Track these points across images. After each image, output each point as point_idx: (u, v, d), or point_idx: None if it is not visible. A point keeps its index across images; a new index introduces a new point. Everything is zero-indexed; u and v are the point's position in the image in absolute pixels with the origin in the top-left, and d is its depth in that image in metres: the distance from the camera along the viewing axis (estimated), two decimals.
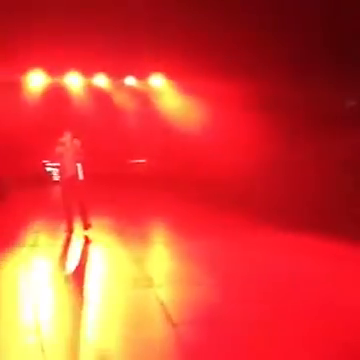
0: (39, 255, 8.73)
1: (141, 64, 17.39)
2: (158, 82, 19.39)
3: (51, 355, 4.89)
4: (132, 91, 19.85)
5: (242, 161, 14.35)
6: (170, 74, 18.39)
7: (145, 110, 19.39)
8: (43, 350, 4.95)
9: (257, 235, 9.92)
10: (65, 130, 10.03)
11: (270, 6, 14.11)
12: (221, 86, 15.14)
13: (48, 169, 18.74)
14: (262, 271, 7.57)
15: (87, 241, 9.51)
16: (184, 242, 9.55)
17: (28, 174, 17.60)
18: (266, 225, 10.58)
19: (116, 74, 18.85)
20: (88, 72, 18.66)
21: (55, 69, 18.00)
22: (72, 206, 9.92)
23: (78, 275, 7.74)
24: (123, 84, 19.66)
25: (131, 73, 19.25)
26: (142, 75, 19.20)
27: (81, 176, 9.98)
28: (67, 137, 9.97)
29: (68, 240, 9.63)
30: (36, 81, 18.64)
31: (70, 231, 9.87)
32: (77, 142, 9.98)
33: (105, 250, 9.12)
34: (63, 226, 10.00)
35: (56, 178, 17.71)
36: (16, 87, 18.08)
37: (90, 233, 9.89)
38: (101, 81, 19.31)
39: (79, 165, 10.00)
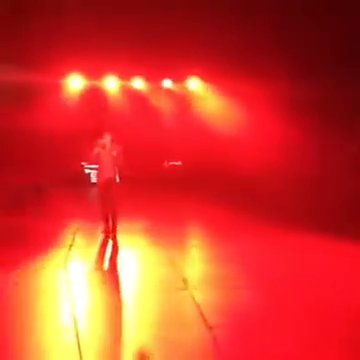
0: (77, 256, 8.84)
1: (178, 67, 17.45)
2: (195, 85, 19.42)
3: (88, 355, 4.95)
4: (169, 94, 19.93)
5: (276, 163, 14.28)
6: (207, 77, 18.40)
7: (181, 113, 19.44)
8: (80, 350, 5.02)
9: (290, 237, 9.86)
10: (105, 132, 9.92)
11: (310, 6, 13.96)
12: (257, 88, 15.08)
13: (86, 171, 18.99)
14: (297, 273, 7.51)
15: (114, 244, 9.54)
16: (219, 244, 9.55)
17: (67, 176, 17.85)
18: (299, 227, 10.50)
19: (153, 77, 18.96)
20: (125, 75, 18.83)
21: (93, 72, 18.24)
22: (108, 207, 9.94)
23: (114, 276, 7.82)
24: (160, 87, 19.76)
25: (168, 76, 19.33)
26: (179, 78, 19.25)
27: (118, 179, 9.90)
28: (107, 139, 9.86)
29: (105, 241, 9.72)
30: (74, 84, 18.93)
31: (107, 233, 9.92)
32: (118, 147, 9.85)
33: (141, 252, 9.17)
34: (100, 227, 10.09)
35: (94, 180, 17.97)
36: (55, 90, 18.38)
37: (124, 236, 9.94)
38: (138, 84, 19.46)
39: (118, 168, 9.89)
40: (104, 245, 9.49)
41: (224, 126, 16.78)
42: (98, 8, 15.27)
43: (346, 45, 13.90)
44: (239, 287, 6.96)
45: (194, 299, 6.42)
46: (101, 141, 9.85)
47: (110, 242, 9.65)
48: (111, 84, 19.25)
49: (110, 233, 9.87)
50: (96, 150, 9.85)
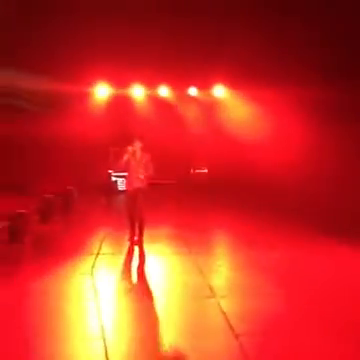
0: (104, 264, 8.90)
1: (203, 75, 17.50)
2: (220, 92, 19.45)
3: None
4: (195, 101, 19.99)
5: (304, 169, 14.20)
6: (232, 84, 18.41)
7: (207, 120, 19.47)
8: (108, 358, 5.06)
9: (318, 245, 9.79)
10: (134, 139, 9.85)
11: (333, 12, 13.89)
12: (283, 96, 15.05)
13: (113, 179, 19.16)
14: (325, 281, 7.44)
15: (141, 252, 9.58)
16: (246, 252, 9.51)
17: (94, 184, 18.03)
18: (327, 235, 10.44)
19: (179, 85, 19.05)
20: (151, 84, 18.97)
21: (120, 81, 18.43)
22: (135, 216, 9.96)
23: (141, 284, 7.84)
24: (186, 95, 19.84)
25: (194, 84, 19.41)
26: (204, 86, 19.31)
27: (146, 187, 9.88)
28: (137, 146, 9.81)
29: (131, 249, 9.77)
30: (102, 93, 19.15)
31: (133, 240, 9.95)
32: (147, 155, 9.82)
33: (167, 260, 9.19)
34: (127, 235, 10.14)
35: (121, 188, 18.12)
36: (83, 99, 18.60)
37: (151, 243, 9.98)
38: (164, 92, 19.57)
39: (146, 176, 9.84)
40: (131, 253, 9.54)
41: (250, 133, 16.76)
42: (124, 18, 15.44)
43: None
44: (266, 295, 6.93)
45: (221, 307, 6.41)
46: (131, 148, 9.78)
47: (137, 250, 9.69)
48: (137, 92, 19.41)
49: (136, 240, 9.91)
50: (126, 157, 9.78)
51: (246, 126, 17.20)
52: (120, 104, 19.01)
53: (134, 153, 9.77)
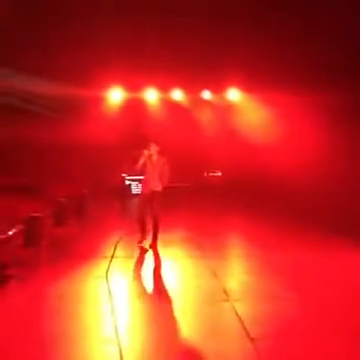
0: (118, 267, 8.93)
1: (217, 78, 17.52)
2: (234, 96, 19.44)
3: None
4: (208, 105, 20.01)
5: (315, 172, 14.16)
6: (246, 87, 18.41)
7: (221, 124, 19.47)
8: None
9: (332, 247, 9.76)
10: (151, 142, 9.80)
11: (345, 15, 13.86)
12: (295, 98, 15.03)
13: (127, 182, 19.23)
14: (338, 284, 7.41)
15: (155, 255, 9.55)
16: (259, 254, 9.50)
17: (108, 187, 18.11)
18: (341, 237, 10.42)
19: (192, 89, 19.08)
20: (165, 87, 19.02)
21: (134, 85, 18.50)
22: (146, 219, 9.91)
23: (155, 288, 7.86)
24: (199, 98, 19.86)
25: (207, 87, 19.42)
26: (218, 89, 19.32)
27: (162, 191, 9.82)
28: (153, 150, 9.76)
29: (145, 253, 9.78)
30: (116, 97, 19.24)
31: (143, 240, 9.92)
32: (162, 158, 9.79)
33: (181, 263, 9.19)
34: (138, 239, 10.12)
35: (135, 191, 18.18)
36: (97, 103, 18.70)
37: (165, 247, 9.97)
38: (178, 96, 19.61)
39: (162, 180, 9.81)
40: (145, 256, 9.55)
41: (263, 136, 16.74)
42: (138, 22, 15.52)
43: None
44: (280, 298, 6.91)
45: (236, 311, 6.40)
46: (147, 152, 9.75)
47: (151, 253, 9.71)
48: (151, 96, 19.47)
49: (151, 244, 9.90)
50: (142, 161, 9.77)
51: (259, 129, 17.19)
52: (134, 108, 19.07)
53: (150, 156, 9.75)
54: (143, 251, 9.76)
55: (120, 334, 5.74)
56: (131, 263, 9.18)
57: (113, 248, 10.13)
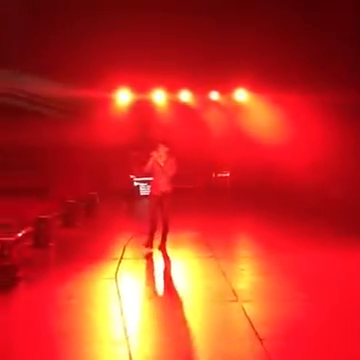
0: (127, 268, 8.94)
1: (225, 79, 17.50)
2: (242, 96, 19.42)
3: None
4: (216, 106, 19.99)
5: (326, 171, 14.12)
6: (253, 88, 18.38)
7: (229, 124, 19.45)
8: None
9: (341, 247, 9.71)
10: (160, 144, 9.69)
11: (353, 17, 13.84)
12: (304, 98, 15.00)
13: (135, 184, 19.25)
14: (349, 285, 7.37)
15: (164, 256, 9.49)
16: (269, 255, 9.48)
17: (116, 189, 18.13)
18: (350, 237, 10.37)
19: (200, 89, 19.08)
20: (173, 88, 19.02)
21: (141, 86, 18.52)
22: (157, 222, 9.82)
23: (164, 288, 7.86)
24: (207, 99, 19.85)
25: (215, 88, 19.41)
26: (226, 90, 19.30)
27: (172, 192, 9.72)
28: (162, 151, 9.68)
29: (154, 254, 9.75)
30: (123, 98, 19.26)
31: (151, 245, 9.76)
32: (171, 159, 9.67)
33: (190, 264, 9.19)
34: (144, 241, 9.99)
35: (143, 193, 18.20)
36: (105, 104, 18.73)
37: (174, 247, 9.93)
38: (186, 97, 19.61)
39: (170, 179, 9.69)
40: (154, 257, 9.54)
41: (271, 136, 16.71)
42: (145, 23, 15.54)
43: None
44: (290, 299, 6.89)
45: (245, 311, 6.38)
46: (155, 153, 9.66)
47: (160, 254, 9.69)
48: (159, 97, 19.48)
49: (160, 245, 9.86)
50: (150, 162, 9.69)
51: (267, 129, 17.15)
52: (142, 109, 19.09)
53: (159, 158, 9.67)
54: (150, 254, 9.66)
55: (129, 335, 5.74)
56: (140, 264, 9.18)
57: (122, 249, 10.13)
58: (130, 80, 17.86)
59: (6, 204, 13.10)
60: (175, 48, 15.93)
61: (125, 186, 19.07)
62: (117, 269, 8.68)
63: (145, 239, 9.78)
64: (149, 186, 10.82)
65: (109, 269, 8.68)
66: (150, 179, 10.29)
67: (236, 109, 19.58)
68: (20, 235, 8.92)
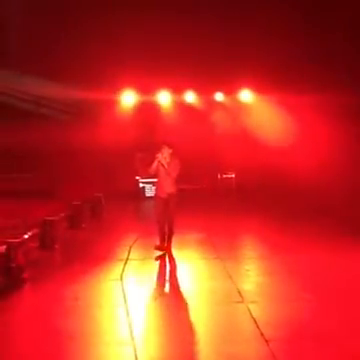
0: (133, 270, 8.95)
1: (230, 80, 17.50)
2: (247, 97, 19.41)
3: None
4: (221, 107, 19.98)
5: (332, 172, 14.09)
6: (259, 89, 18.36)
7: (234, 125, 19.44)
8: None
9: (347, 248, 9.67)
10: (164, 145, 9.64)
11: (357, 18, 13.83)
12: (309, 99, 14.98)
13: (141, 185, 19.27)
14: (356, 286, 7.34)
15: (170, 258, 9.43)
16: (274, 256, 9.46)
17: (122, 190, 18.13)
18: (357, 237, 10.31)
19: (205, 90, 19.07)
20: (178, 89, 19.02)
21: (146, 88, 18.53)
22: (165, 224, 9.73)
23: (170, 290, 7.86)
24: (212, 100, 19.84)
25: (220, 89, 19.40)
26: (231, 91, 19.29)
27: (177, 193, 9.68)
28: (166, 152, 9.62)
29: (160, 255, 9.74)
30: (128, 100, 19.28)
31: (161, 249, 9.70)
32: (175, 160, 9.61)
33: (196, 265, 9.18)
34: (155, 243, 9.97)
35: (149, 194, 18.21)
36: (110, 106, 18.75)
37: (179, 249, 9.90)
38: (191, 98, 19.61)
39: (175, 183, 9.65)
40: (159, 258, 9.53)
41: (276, 137, 16.69)
42: (150, 25, 15.57)
43: None
44: (296, 300, 6.87)
45: (250, 312, 6.38)
46: (160, 155, 9.60)
47: (165, 255, 9.68)
48: (164, 99, 19.49)
49: (165, 250, 9.73)
50: (155, 164, 9.65)
51: (273, 130, 17.13)
52: (147, 110, 19.09)
53: (163, 159, 9.63)
54: (159, 256, 9.62)
55: (135, 336, 5.74)
56: (146, 265, 9.19)
57: (128, 251, 10.14)
58: (135, 81, 17.87)
59: (12, 206, 13.16)
60: (180, 49, 15.95)
61: (130, 187, 19.07)
62: (123, 270, 8.70)
63: (157, 244, 9.70)
64: (154, 188, 10.79)
65: (115, 270, 8.69)
66: (155, 180, 10.28)
67: (241, 110, 19.56)
68: (26, 237, 8.95)
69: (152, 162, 9.70)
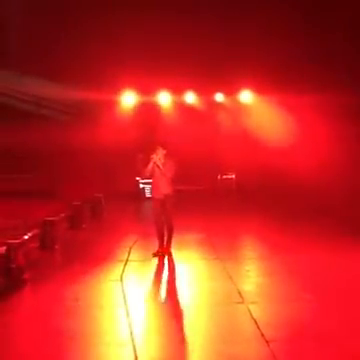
0: (133, 271, 8.94)
1: (230, 80, 17.50)
2: (247, 98, 19.40)
3: None
4: (221, 107, 19.99)
5: (330, 173, 14.09)
6: (259, 89, 18.36)
7: (234, 126, 19.44)
8: None
9: (348, 248, 9.67)
10: (157, 146, 9.64)
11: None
12: (310, 99, 14.98)
13: (141, 185, 19.26)
14: (356, 286, 7.34)
15: (169, 258, 9.39)
16: (274, 256, 9.46)
17: (122, 191, 18.14)
18: (357, 238, 10.31)
19: (205, 91, 19.07)
20: (178, 90, 19.02)
21: (146, 88, 18.53)
22: (164, 226, 9.73)
23: (170, 290, 7.85)
24: (212, 101, 19.84)
25: (220, 90, 19.40)
26: (231, 91, 19.29)
27: (173, 193, 9.66)
28: (160, 153, 9.62)
29: (160, 256, 9.71)
30: (129, 100, 19.28)
31: (162, 252, 9.68)
32: (170, 161, 9.60)
33: (196, 265, 9.18)
34: (156, 245, 9.84)
35: (149, 194, 18.20)
36: (110, 107, 18.75)
37: (179, 249, 9.88)
38: (191, 98, 19.61)
39: (171, 183, 9.63)
40: (159, 259, 9.53)
41: (276, 138, 16.69)
42: (150, 26, 15.58)
43: None
44: (296, 300, 6.87)
45: (251, 313, 6.37)
46: (154, 156, 9.59)
47: (165, 256, 9.66)
48: (164, 99, 19.49)
49: (165, 253, 9.67)
50: (150, 165, 9.64)
51: (273, 131, 17.13)
52: (147, 111, 19.09)
53: (158, 160, 9.60)
54: (159, 256, 9.61)
55: (135, 337, 5.74)
56: (146, 266, 9.19)
57: (128, 251, 10.14)
58: (135, 82, 17.88)
59: (12, 206, 13.16)
60: (180, 50, 15.96)
61: (131, 188, 19.07)
62: (123, 271, 8.69)
63: (154, 251, 9.68)
64: (150, 189, 10.76)
65: (115, 271, 8.69)
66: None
67: (241, 110, 19.56)
68: (26, 237, 8.95)
69: (147, 163, 9.68)
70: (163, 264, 9.29)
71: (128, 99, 19.27)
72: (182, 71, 15.95)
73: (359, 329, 5.77)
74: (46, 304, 7.09)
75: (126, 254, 9.91)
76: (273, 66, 15.48)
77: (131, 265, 9.20)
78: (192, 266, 9.17)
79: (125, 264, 9.17)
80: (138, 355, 5.28)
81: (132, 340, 5.65)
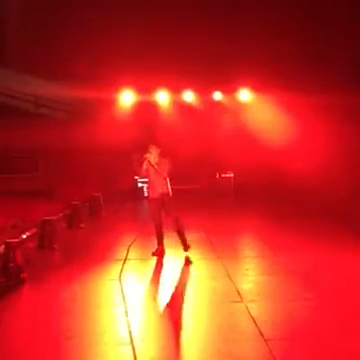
0: (131, 270, 8.94)
1: (228, 79, 17.50)
2: (245, 96, 19.39)
3: None
4: (220, 106, 19.97)
5: (329, 173, 14.10)
6: (257, 88, 18.36)
7: (232, 124, 19.43)
8: None
9: (346, 248, 9.66)
10: (150, 145, 9.54)
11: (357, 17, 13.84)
12: (308, 99, 14.98)
13: (139, 185, 19.25)
14: (355, 285, 7.34)
15: (187, 263, 9.16)
16: (273, 255, 9.46)
17: (120, 190, 18.13)
18: (356, 237, 10.31)
19: (204, 90, 19.06)
20: (176, 89, 19.01)
21: (144, 87, 18.51)
22: (162, 225, 9.68)
23: (169, 289, 7.85)
24: (211, 99, 19.83)
25: (218, 88, 19.39)
26: (229, 90, 19.28)
27: (170, 192, 9.57)
28: (154, 152, 9.53)
29: (159, 256, 9.69)
30: (126, 100, 19.25)
31: (161, 252, 9.63)
32: (164, 160, 9.53)
33: (195, 264, 9.16)
34: (154, 244, 9.76)
35: (147, 194, 18.20)
36: (108, 106, 18.73)
37: (177, 249, 9.69)
38: (189, 97, 19.60)
39: (167, 181, 9.58)
40: (158, 259, 9.51)
41: (275, 137, 16.69)
42: (148, 25, 15.58)
43: None
44: (295, 299, 6.87)
45: (249, 311, 6.37)
46: (149, 155, 9.51)
47: (164, 255, 9.62)
48: (162, 98, 19.47)
49: (184, 249, 9.55)
50: (145, 165, 9.55)
51: (272, 130, 17.13)
52: (146, 110, 19.07)
53: (153, 159, 9.52)
54: (158, 258, 9.56)
55: (134, 336, 5.73)
56: (144, 265, 9.19)
57: (126, 250, 10.14)
58: (133, 81, 17.86)
59: (11, 205, 13.15)
60: (178, 49, 15.95)
61: (129, 187, 19.07)
62: (121, 270, 8.69)
63: (156, 248, 9.64)
64: (147, 189, 10.68)
65: (113, 270, 8.68)
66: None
67: (240, 109, 19.55)
68: (25, 236, 8.95)
69: (142, 163, 9.63)
70: (162, 263, 9.28)
71: (126, 98, 19.25)
72: (180, 70, 15.95)
73: (357, 328, 5.77)
74: (44, 303, 7.09)
75: (124, 253, 9.91)
76: (272, 65, 15.48)
77: (130, 264, 9.20)
78: (191, 265, 9.15)
79: (124, 263, 9.17)
80: (137, 354, 5.27)
81: (131, 339, 5.64)
